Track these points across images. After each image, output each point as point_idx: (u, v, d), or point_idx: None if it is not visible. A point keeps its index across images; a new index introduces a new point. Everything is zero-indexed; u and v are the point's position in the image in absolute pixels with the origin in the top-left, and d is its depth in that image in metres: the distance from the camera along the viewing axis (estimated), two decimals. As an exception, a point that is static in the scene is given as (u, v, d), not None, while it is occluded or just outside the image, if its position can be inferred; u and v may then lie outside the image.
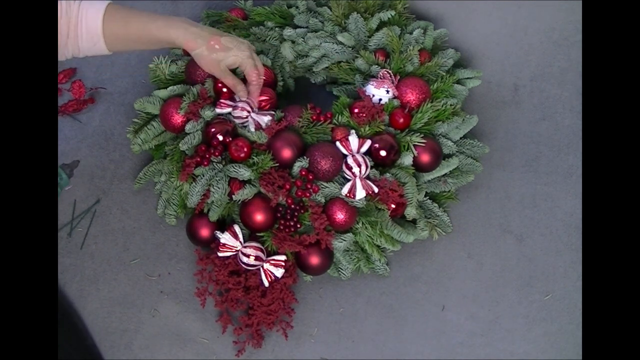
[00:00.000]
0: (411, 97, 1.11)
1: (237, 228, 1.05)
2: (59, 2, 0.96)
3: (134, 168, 1.23)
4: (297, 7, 1.26)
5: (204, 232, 1.08)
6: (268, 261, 1.04)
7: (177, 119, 1.10)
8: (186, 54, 1.12)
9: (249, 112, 1.08)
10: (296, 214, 1.03)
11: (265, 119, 1.07)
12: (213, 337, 1.08)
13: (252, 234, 1.07)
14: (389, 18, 1.21)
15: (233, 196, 1.04)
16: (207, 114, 1.08)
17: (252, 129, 1.07)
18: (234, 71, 1.09)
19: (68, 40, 0.97)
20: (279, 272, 1.04)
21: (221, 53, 1.03)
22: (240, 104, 1.08)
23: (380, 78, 1.13)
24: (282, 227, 1.04)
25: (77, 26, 0.97)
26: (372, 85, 1.12)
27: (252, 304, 1.06)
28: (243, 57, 1.05)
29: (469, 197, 1.19)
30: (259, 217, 1.03)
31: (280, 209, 1.05)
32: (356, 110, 1.09)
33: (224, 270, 1.06)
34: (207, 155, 1.05)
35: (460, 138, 1.15)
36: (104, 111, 1.29)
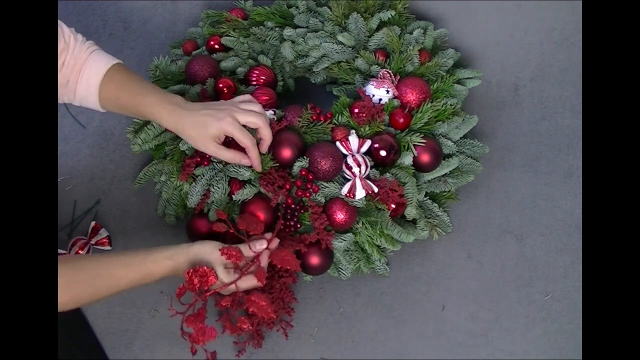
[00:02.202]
0: (411, 97, 1.11)
1: None
2: (73, 34, 0.96)
3: (134, 168, 1.23)
4: (297, 7, 1.26)
5: (204, 232, 1.08)
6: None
7: (177, 119, 1.09)
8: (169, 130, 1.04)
9: None
10: (296, 214, 1.03)
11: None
12: (213, 337, 1.08)
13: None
14: (389, 18, 1.21)
15: (233, 196, 1.04)
16: (207, 114, 1.08)
17: None
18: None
19: (67, 84, 0.96)
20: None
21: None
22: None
23: (380, 78, 1.13)
24: (282, 227, 1.04)
25: (79, 72, 0.95)
26: (372, 85, 1.12)
27: (252, 304, 1.06)
28: (256, 117, 0.96)
29: (469, 197, 1.19)
30: (259, 217, 1.03)
31: (281, 208, 1.04)
32: (356, 110, 1.09)
33: (224, 270, 1.06)
34: (207, 155, 1.05)
35: (460, 138, 1.15)
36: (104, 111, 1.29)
